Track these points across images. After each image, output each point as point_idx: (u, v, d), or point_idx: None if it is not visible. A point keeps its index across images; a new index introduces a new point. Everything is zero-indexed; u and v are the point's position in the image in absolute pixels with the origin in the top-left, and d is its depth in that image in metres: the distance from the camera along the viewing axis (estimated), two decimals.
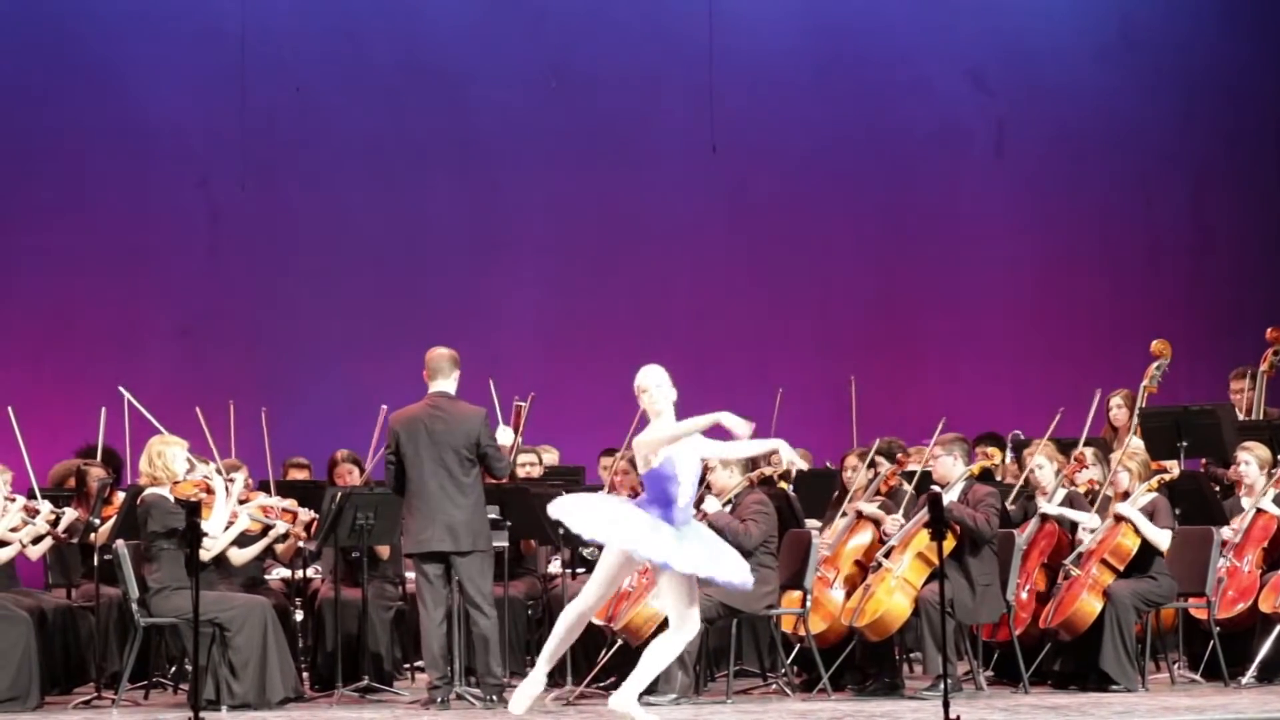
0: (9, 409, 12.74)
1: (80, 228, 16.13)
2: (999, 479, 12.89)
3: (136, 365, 15.18)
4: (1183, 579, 11.85)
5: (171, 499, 11.25)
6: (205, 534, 10.76)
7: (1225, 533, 12.09)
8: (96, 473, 12.35)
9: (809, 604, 11.75)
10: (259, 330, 16.37)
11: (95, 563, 11.86)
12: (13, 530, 11.81)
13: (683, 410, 10.04)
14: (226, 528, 11.52)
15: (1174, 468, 12.72)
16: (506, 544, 12.11)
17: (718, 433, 9.83)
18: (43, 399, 14.73)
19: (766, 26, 17.28)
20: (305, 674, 12.11)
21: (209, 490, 11.41)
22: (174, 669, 12.15)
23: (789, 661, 12.08)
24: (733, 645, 11.81)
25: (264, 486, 12.67)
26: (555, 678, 12.13)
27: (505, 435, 11.49)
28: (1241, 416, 13.80)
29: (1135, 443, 12.97)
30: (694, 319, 16.65)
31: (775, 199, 17.25)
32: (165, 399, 13.01)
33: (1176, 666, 12.22)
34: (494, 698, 11.16)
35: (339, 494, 11.76)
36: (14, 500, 11.91)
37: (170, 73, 16.36)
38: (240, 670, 11.11)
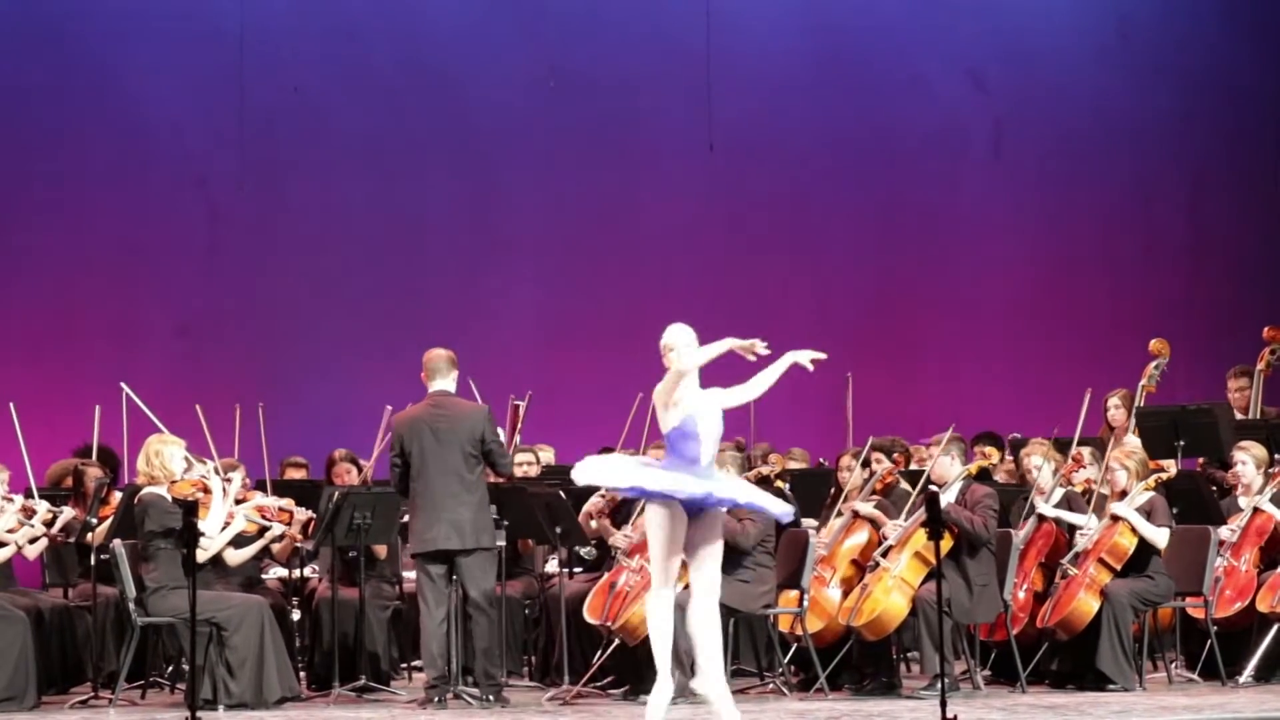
0: (10, 406, 12.76)
1: (78, 227, 16.15)
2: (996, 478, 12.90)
3: (135, 364, 15.18)
4: (1180, 578, 11.85)
5: (169, 498, 11.24)
6: (202, 534, 10.76)
7: (1223, 532, 12.09)
8: (94, 472, 12.35)
9: (806, 603, 11.73)
10: (257, 329, 16.38)
11: (92, 562, 11.86)
12: (10, 530, 11.81)
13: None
14: (223, 528, 11.52)
15: (1171, 467, 12.72)
16: (504, 543, 12.11)
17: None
18: (41, 398, 14.73)
19: (765, 26, 17.29)
20: (302, 673, 12.11)
21: (206, 490, 11.40)
22: (171, 668, 12.14)
23: (786, 661, 12.07)
24: (730, 645, 11.80)
25: (261, 486, 12.67)
26: (552, 677, 12.16)
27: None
28: (1239, 416, 13.80)
29: (1133, 441, 12.97)
30: (691, 317, 16.59)
31: (773, 198, 17.25)
32: (163, 398, 13.00)
33: (1174, 666, 12.21)
34: (491, 697, 11.15)
35: (336, 493, 11.75)
36: (11, 500, 11.91)
37: (169, 72, 16.37)
38: (237, 670, 11.10)
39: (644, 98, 17.08)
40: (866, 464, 12.31)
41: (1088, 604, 11.58)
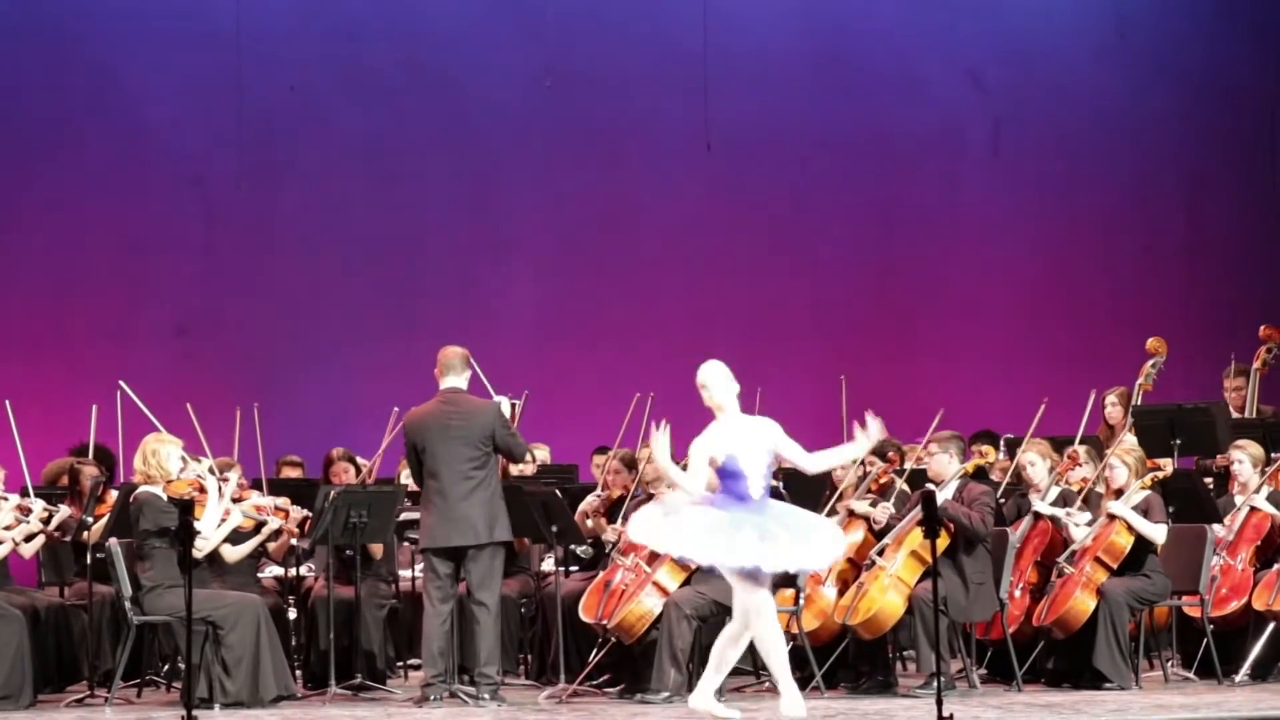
0: (6, 404, 12.76)
1: (77, 226, 16.15)
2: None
3: (133, 363, 15.18)
4: (1176, 577, 11.84)
5: (164, 497, 11.24)
6: (198, 533, 10.77)
7: (1219, 531, 12.08)
8: (90, 471, 12.35)
9: (802, 602, 11.73)
10: (256, 329, 16.38)
11: (88, 561, 11.85)
12: (5, 529, 11.81)
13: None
14: (219, 525, 11.51)
15: (1168, 465, 12.71)
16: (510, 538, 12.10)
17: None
18: (38, 396, 14.74)
19: (763, 25, 17.28)
20: (298, 672, 12.10)
21: (202, 489, 11.40)
22: (167, 667, 12.15)
23: None
24: None
25: (257, 485, 12.67)
26: (548, 675, 12.16)
27: (505, 406, 11.51)
28: (1235, 414, 13.79)
29: (1129, 440, 12.96)
30: (688, 317, 16.64)
31: (771, 198, 17.24)
32: (161, 397, 13.00)
33: (1170, 664, 12.21)
34: (487, 696, 11.15)
35: (332, 492, 11.75)
36: (7, 499, 11.92)
37: (167, 72, 16.38)
38: (233, 668, 11.09)
39: (642, 98, 17.08)
40: (862, 464, 12.30)
41: (1084, 603, 11.57)
